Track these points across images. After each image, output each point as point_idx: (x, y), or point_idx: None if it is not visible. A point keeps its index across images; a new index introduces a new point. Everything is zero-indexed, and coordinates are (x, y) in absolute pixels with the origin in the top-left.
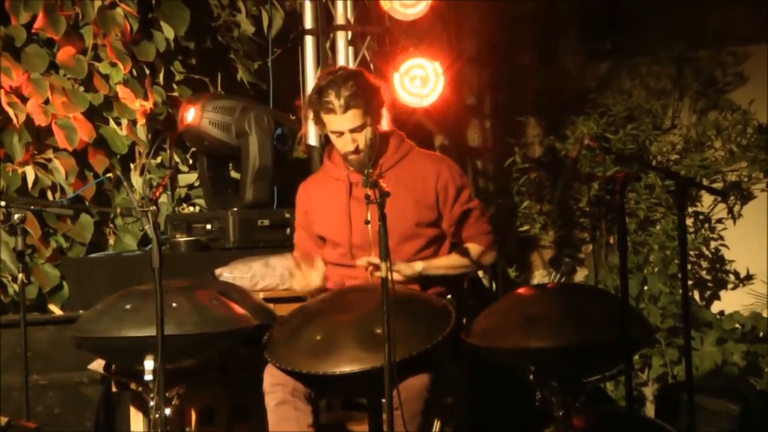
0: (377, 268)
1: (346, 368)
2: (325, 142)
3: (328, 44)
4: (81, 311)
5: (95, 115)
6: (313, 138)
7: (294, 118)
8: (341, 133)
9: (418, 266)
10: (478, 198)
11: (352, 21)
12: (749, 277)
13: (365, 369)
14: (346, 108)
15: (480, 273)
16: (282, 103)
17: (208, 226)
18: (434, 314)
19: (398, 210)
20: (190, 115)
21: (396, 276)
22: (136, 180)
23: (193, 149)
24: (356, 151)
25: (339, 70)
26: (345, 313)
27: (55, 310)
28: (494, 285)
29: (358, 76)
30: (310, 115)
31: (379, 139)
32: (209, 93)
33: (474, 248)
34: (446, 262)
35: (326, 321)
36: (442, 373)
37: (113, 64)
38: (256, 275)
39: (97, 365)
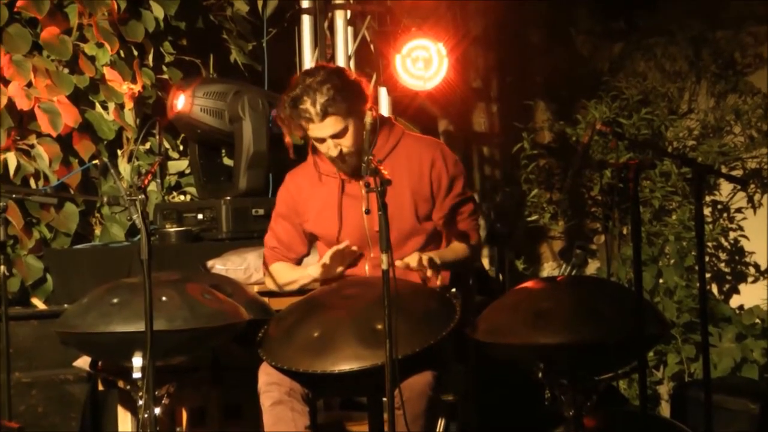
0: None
1: (345, 366)
2: None
3: (326, 24)
4: (66, 305)
5: (81, 98)
6: None
7: None
8: (323, 139)
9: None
10: (484, 186)
11: None
12: None
13: (365, 367)
14: (324, 115)
15: (486, 264)
16: (277, 86)
17: (200, 216)
18: (438, 309)
19: (397, 204)
20: (180, 102)
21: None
22: (124, 167)
23: (184, 134)
24: (341, 156)
25: (314, 72)
26: (343, 308)
27: (39, 304)
28: (501, 278)
29: (335, 78)
30: (285, 123)
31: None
32: (199, 78)
33: (464, 246)
34: (452, 255)
35: (324, 317)
36: (446, 371)
37: (100, 45)
38: (250, 267)
39: (83, 362)
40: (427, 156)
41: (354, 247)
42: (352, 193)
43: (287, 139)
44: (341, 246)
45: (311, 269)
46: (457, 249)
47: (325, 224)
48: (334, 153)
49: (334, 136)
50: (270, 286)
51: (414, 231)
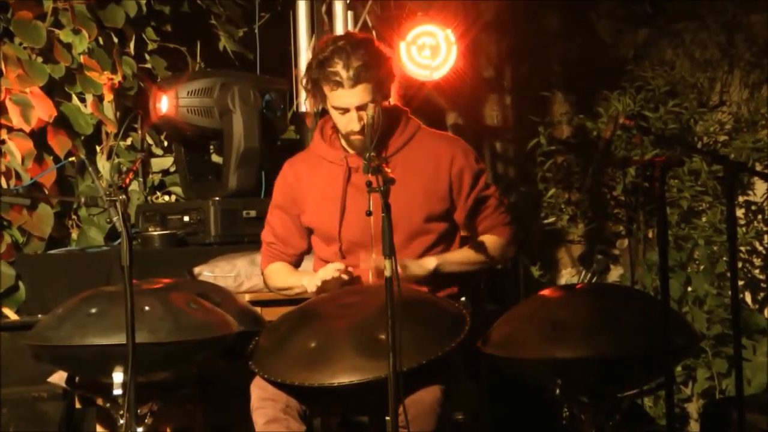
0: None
1: (345, 379)
2: (321, 114)
3: (323, 8)
4: (39, 316)
5: (56, 89)
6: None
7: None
8: (346, 110)
9: (431, 263)
10: (497, 185)
11: None
12: None
13: (366, 380)
14: (357, 81)
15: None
16: (270, 76)
17: (186, 218)
18: (446, 318)
19: (406, 202)
20: (164, 105)
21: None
22: (103, 165)
23: (173, 137)
24: (362, 131)
25: (345, 36)
26: (342, 317)
27: (10, 314)
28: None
29: (369, 45)
30: (308, 87)
31: (385, 116)
32: (182, 76)
33: (494, 241)
34: (463, 257)
35: (321, 326)
36: (455, 386)
37: (76, 32)
38: (240, 274)
39: (59, 378)
40: (446, 153)
41: (348, 269)
42: (359, 183)
43: (308, 109)
44: (341, 267)
45: (305, 281)
46: (480, 245)
47: (324, 216)
48: (356, 127)
49: (360, 108)
50: (265, 287)
51: (421, 231)
